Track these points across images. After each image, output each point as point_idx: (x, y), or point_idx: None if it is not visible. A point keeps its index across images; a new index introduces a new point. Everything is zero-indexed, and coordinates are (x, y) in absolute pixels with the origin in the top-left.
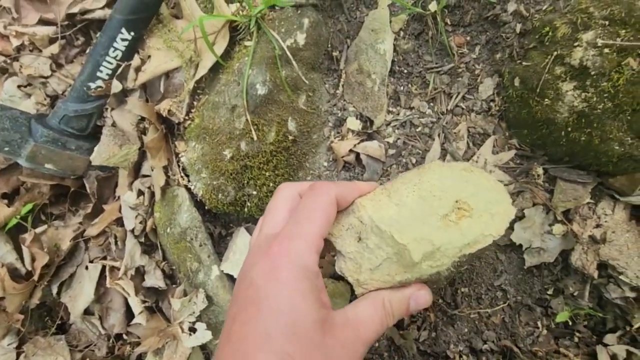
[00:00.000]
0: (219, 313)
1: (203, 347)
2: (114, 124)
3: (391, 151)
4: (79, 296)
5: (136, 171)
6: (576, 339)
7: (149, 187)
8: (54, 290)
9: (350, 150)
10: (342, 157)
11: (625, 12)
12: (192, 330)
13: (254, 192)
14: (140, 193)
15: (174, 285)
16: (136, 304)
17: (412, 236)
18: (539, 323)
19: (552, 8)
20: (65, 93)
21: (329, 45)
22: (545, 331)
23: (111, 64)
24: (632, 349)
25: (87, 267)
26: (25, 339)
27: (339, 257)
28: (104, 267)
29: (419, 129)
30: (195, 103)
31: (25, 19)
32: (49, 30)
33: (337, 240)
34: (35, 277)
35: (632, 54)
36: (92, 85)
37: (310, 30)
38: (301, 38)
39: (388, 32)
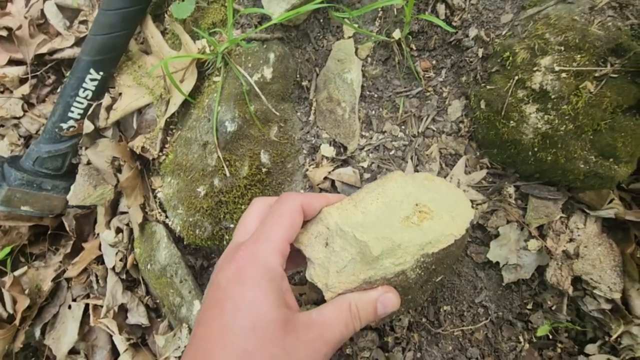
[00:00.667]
0: None
1: None
2: (88, 162)
3: (366, 175)
4: (62, 337)
5: (113, 209)
6: (559, 350)
7: (127, 224)
8: (37, 332)
9: (325, 178)
10: (318, 184)
11: (580, 38)
12: None
13: (231, 226)
14: (118, 230)
15: (159, 319)
16: (120, 342)
17: (374, 235)
18: (520, 337)
19: (511, 33)
20: (38, 132)
21: (298, 75)
22: (527, 345)
23: (82, 103)
24: (613, 358)
25: (70, 307)
26: None
27: (309, 264)
28: (87, 305)
29: (392, 152)
30: (168, 138)
31: None
32: (18, 71)
33: (306, 248)
34: (17, 321)
35: (589, 77)
36: (64, 125)
37: (277, 64)
38: (268, 72)
39: (354, 61)
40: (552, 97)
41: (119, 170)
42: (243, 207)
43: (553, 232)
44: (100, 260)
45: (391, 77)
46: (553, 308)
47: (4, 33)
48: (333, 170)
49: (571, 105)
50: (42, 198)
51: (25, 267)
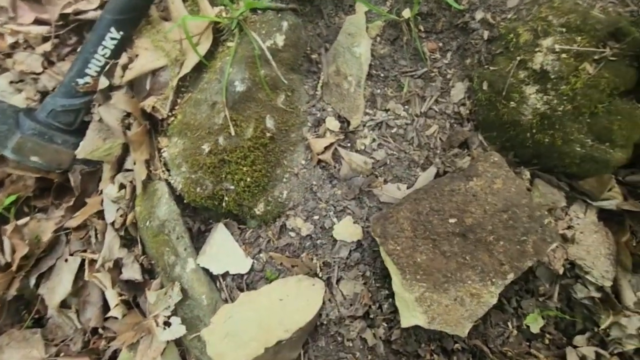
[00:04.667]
0: (194, 307)
1: (178, 343)
2: (100, 120)
3: (371, 160)
4: (57, 287)
5: (119, 165)
6: (547, 341)
7: (131, 181)
8: (32, 281)
9: (326, 148)
10: (318, 154)
11: (581, 20)
12: (167, 324)
13: (232, 187)
14: (122, 187)
15: (151, 280)
16: (112, 297)
17: None
18: (509, 324)
19: (516, 17)
20: (55, 89)
21: (309, 48)
22: (515, 332)
23: (100, 61)
24: (600, 351)
25: (66, 260)
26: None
27: None
28: (83, 260)
29: (394, 130)
30: (179, 100)
31: (21, 18)
32: (42, 30)
33: None
34: (14, 268)
35: (588, 59)
36: (81, 81)
37: (289, 33)
38: (280, 39)
39: (364, 36)
40: (552, 77)
41: (128, 128)
42: (245, 168)
43: (553, 217)
44: (101, 216)
45: (398, 57)
46: (544, 294)
47: None
48: (345, 146)
49: (570, 85)
50: (51, 150)
51: (28, 218)
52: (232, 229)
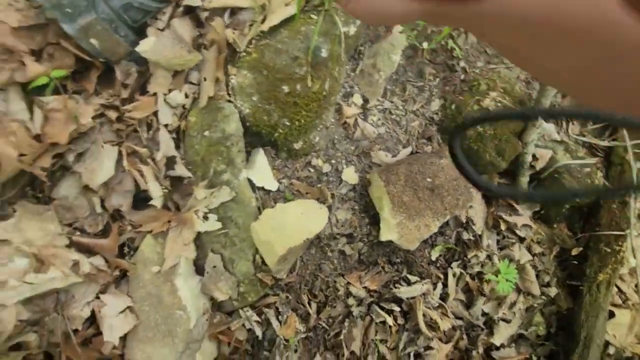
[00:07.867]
0: (229, 209)
1: (196, 239)
2: (166, 28)
3: (380, 130)
4: (97, 170)
5: (185, 77)
6: (439, 264)
7: (194, 93)
8: (71, 158)
9: (352, 115)
10: (347, 117)
11: (510, 88)
12: (205, 218)
13: (288, 123)
14: (185, 96)
15: (184, 182)
16: (156, 188)
17: None
18: (426, 250)
19: (480, 72)
20: None
21: (359, 41)
22: (428, 255)
23: None
24: (462, 270)
25: (102, 147)
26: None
27: None
28: (120, 151)
29: (393, 116)
30: (253, 41)
31: None
32: None
33: None
34: (49, 141)
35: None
36: None
37: (359, 27)
38: (353, 30)
39: (401, 48)
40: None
41: (199, 47)
42: (303, 112)
43: None
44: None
45: (408, 70)
46: (447, 235)
47: None
48: (362, 118)
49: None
50: (113, 40)
51: (66, 96)
52: (268, 156)
